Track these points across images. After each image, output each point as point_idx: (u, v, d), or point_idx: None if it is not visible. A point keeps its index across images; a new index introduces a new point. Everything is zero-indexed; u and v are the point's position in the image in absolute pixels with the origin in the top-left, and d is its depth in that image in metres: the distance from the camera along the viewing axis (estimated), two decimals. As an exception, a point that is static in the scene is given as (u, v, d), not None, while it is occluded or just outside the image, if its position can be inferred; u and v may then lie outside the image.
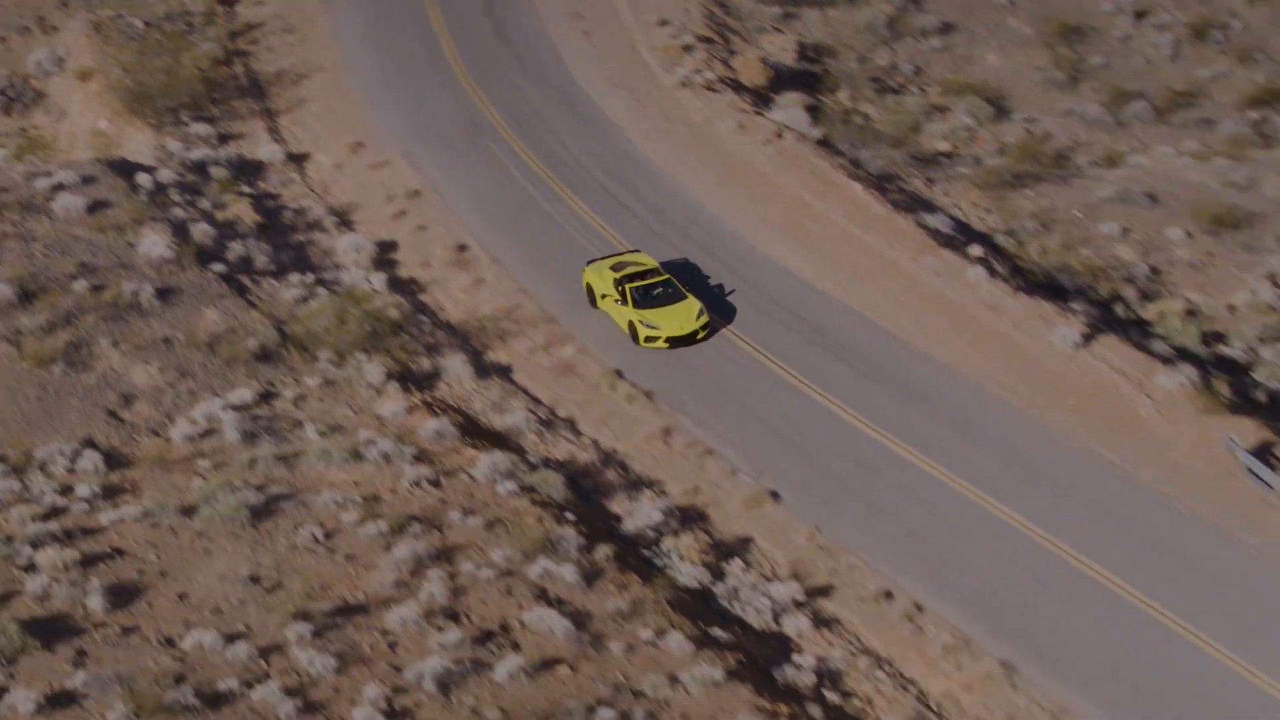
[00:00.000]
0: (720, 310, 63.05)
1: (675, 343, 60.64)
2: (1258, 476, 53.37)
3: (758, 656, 47.89)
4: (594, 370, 60.56)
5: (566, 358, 61.31)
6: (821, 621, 50.01)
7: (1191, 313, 64.07)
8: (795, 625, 49.60)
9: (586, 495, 54.31)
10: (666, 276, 62.04)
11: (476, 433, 56.21)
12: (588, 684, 44.82)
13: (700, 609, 49.55)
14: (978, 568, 51.48)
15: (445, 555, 48.99)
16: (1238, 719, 45.94)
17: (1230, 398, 57.55)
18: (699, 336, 60.81)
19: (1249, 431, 55.39)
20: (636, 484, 55.25)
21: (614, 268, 62.51)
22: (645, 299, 61.11)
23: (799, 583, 51.16)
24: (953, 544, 52.30)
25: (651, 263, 62.93)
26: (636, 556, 51.37)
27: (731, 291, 63.76)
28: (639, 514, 53.13)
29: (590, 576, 48.92)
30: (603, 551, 50.06)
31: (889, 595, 50.77)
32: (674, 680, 45.29)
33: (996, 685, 47.65)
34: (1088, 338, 60.00)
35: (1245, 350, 62.07)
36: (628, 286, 61.39)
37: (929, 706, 47.45)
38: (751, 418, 58.01)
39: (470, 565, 48.62)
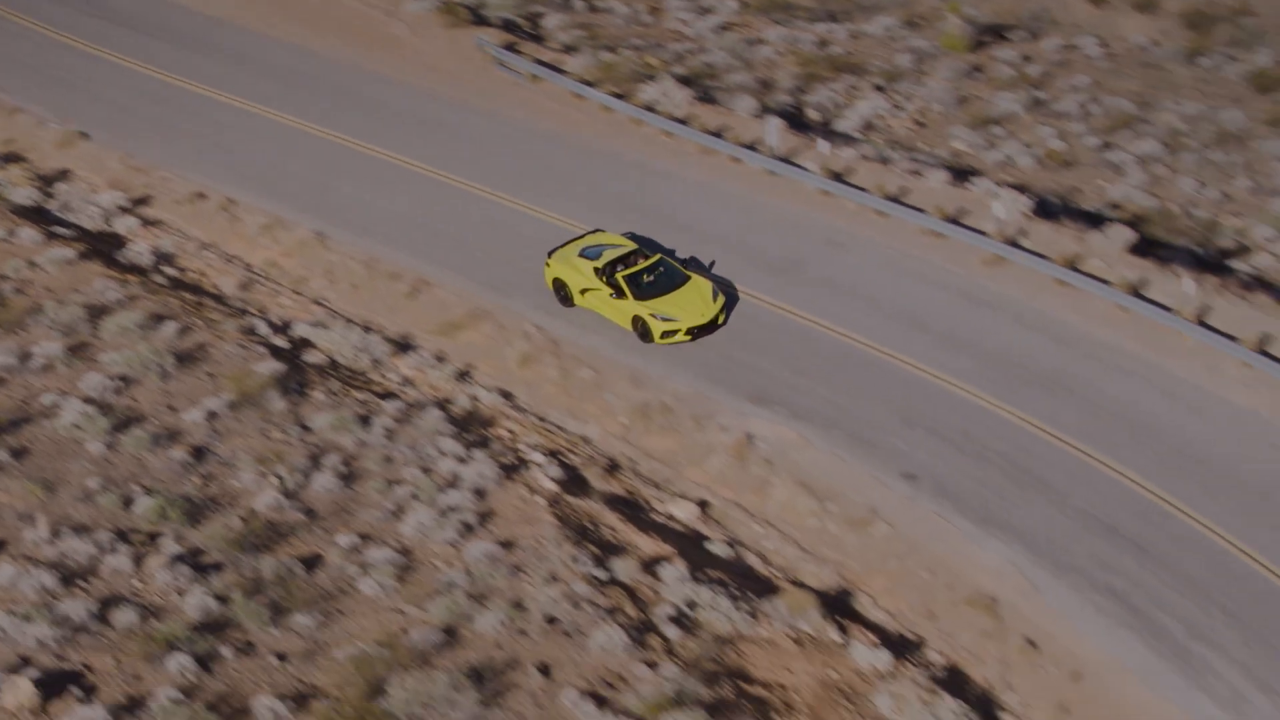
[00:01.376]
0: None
1: (697, 333, 49.67)
2: (507, 66, 62.80)
3: (99, 248, 53.73)
4: (-111, 59, 64.75)
5: None
6: (148, 222, 56.09)
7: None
8: (125, 225, 55.69)
9: (-100, 150, 58.90)
10: (659, 256, 51.09)
11: None
12: (-44, 280, 50.17)
13: (40, 218, 55.11)
14: (287, 170, 58.08)
15: None
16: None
17: (470, 17, 66.27)
18: (720, 321, 50.22)
19: (493, 37, 64.39)
20: (-49, 141, 60.10)
21: (585, 254, 51.13)
22: (645, 287, 50.11)
23: (122, 193, 57.11)
24: (256, 151, 58.95)
25: (629, 243, 51.77)
26: (-33, 190, 56.53)
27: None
28: (-39, 159, 58.19)
29: (-69, 198, 54.08)
30: (-66, 182, 55.21)
31: (202, 196, 56.99)
32: (32, 264, 51.13)
33: (311, 249, 54.60)
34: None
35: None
36: (620, 276, 50.15)
37: (255, 273, 54.15)
38: (48, 80, 63.45)
39: None
